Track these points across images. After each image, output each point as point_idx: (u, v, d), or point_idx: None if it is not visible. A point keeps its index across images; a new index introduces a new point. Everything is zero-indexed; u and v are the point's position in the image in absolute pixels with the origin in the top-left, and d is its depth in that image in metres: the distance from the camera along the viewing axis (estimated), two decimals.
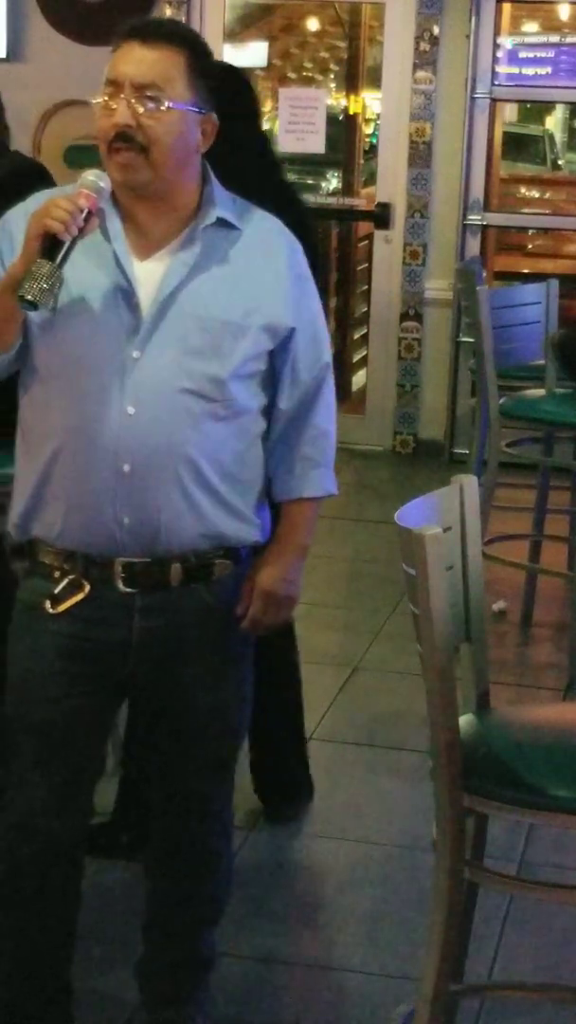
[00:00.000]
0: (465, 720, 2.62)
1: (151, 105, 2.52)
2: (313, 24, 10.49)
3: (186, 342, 2.58)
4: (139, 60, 2.53)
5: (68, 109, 8.01)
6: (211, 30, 7.80)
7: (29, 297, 2.43)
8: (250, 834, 3.84)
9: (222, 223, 2.63)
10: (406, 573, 2.50)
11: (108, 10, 7.91)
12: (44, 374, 2.63)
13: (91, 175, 2.55)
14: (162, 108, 2.52)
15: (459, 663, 2.65)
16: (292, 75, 10.45)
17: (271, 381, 2.71)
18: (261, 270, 2.65)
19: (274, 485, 2.76)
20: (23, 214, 2.60)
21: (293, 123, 7.87)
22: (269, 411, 2.73)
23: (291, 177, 8.68)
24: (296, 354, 2.70)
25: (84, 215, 2.50)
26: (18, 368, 2.67)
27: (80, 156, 7.99)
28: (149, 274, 2.59)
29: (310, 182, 9.31)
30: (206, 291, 2.60)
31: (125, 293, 2.58)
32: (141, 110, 2.51)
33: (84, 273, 2.56)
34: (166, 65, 2.53)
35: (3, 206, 4.20)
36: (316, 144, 7.94)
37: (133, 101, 2.51)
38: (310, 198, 8.46)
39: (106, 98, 2.54)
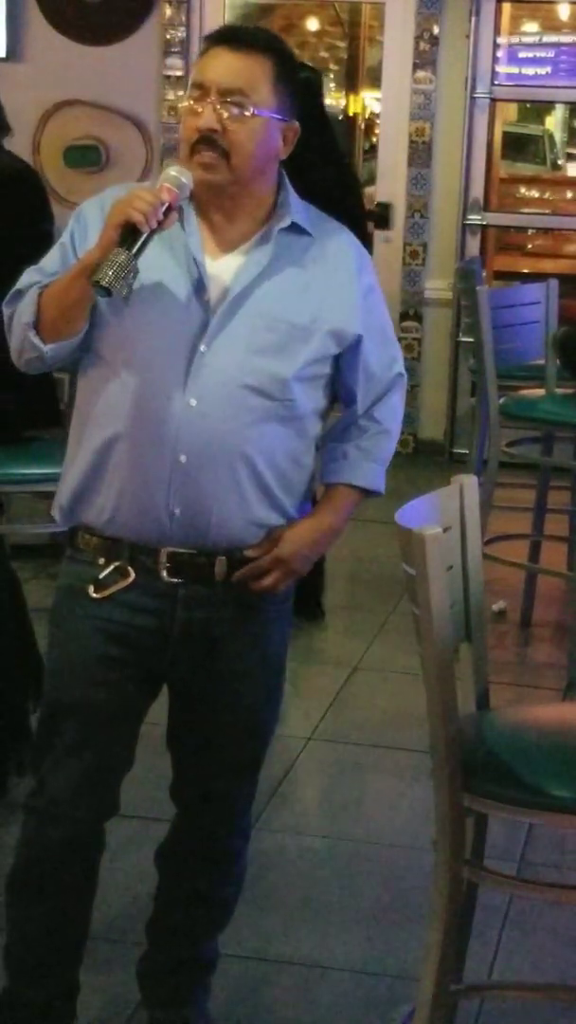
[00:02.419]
0: (465, 720, 2.62)
1: (236, 110, 2.55)
2: (313, 24, 10.49)
3: (253, 340, 2.61)
4: (227, 65, 2.57)
5: (68, 109, 8.02)
6: (211, 30, 7.79)
7: (104, 283, 2.47)
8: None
9: (295, 228, 2.67)
10: (406, 573, 2.50)
11: (108, 10, 7.93)
12: (108, 361, 2.66)
13: (173, 170, 2.58)
14: (246, 114, 2.56)
15: (459, 663, 2.65)
16: None
17: (333, 385, 2.75)
18: (331, 276, 2.68)
19: (324, 468, 2.78)
20: (98, 207, 2.64)
21: None
22: (343, 412, 2.78)
23: None
24: (367, 360, 2.73)
25: (164, 208, 2.53)
26: (78, 357, 2.70)
27: (80, 156, 8.01)
28: (221, 271, 2.63)
29: None
30: (276, 292, 2.63)
31: (197, 288, 2.61)
32: (226, 115, 2.55)
33: (158, 265, 2.60)
34: (252, 71, 2.57)
35: None
36: None
37: (219, 106, 2.55)
38: None
39: (192, 101, 2.58)
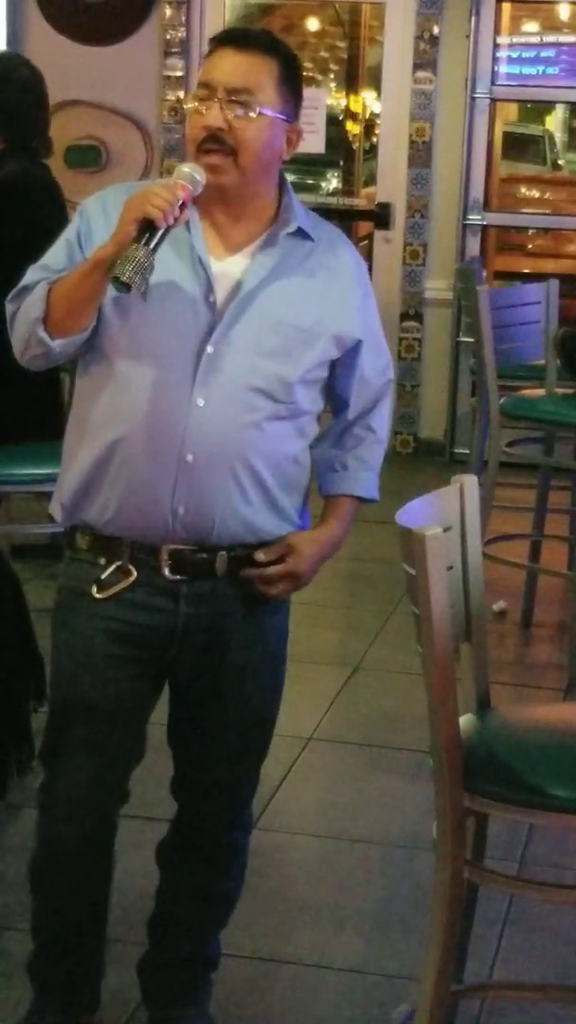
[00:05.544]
0: (465, 720, 2.62)
1: (242, 110, 2.57)
2: (313, 24, 10.47)
3: (259, 342, 2.63)
4: (233, 65, 2.59)
5: (68, 109, 8.01)
6: (211, 30, 7.79)
7: (124, 279, 2.47)
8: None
9: (300, 233, 2.69)
10: (406, 573, 2.50)
11: (108, 10, 7.93)
12: (113, 359, 2.66)
13: (187, 167, 2.58)
14: (253, 113, 2.57)
15: (459, 663, 2.65)
16: None
17: (328, 388, 2.77)
18: (332, 282, 2.71)
19: (323, 480, 2.81)
20: (100, 205, 2.66)
21: None
22: (335, 417, 2.81)
23: (292, 178, 8.73)
24: (363, 365, 2.77)
25: (179, 205, 2.53)
26: (81, 352, 2.70)
27: (80, 156, 8.02)
28: (226, 273, 2.64)
29: (310, 182, 9.31)
30: (282, 295, 2.65)
31: (204, 289, 2.62)
32: (232, 114, 2.56)
33: (165, 265, 2.60)
34: (258, 71, 2.59)
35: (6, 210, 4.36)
36: (316, 144, 7.95)
37: (225, 105, 2.57)
38: (310, 198, 8.48)
39: (198, 101, 2.59)
